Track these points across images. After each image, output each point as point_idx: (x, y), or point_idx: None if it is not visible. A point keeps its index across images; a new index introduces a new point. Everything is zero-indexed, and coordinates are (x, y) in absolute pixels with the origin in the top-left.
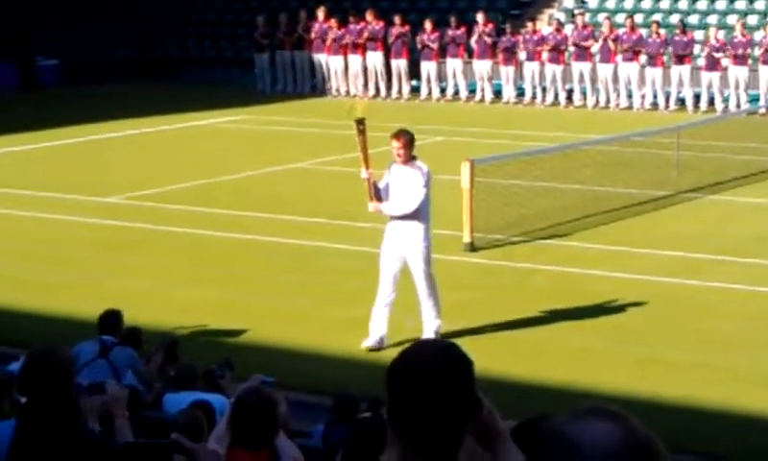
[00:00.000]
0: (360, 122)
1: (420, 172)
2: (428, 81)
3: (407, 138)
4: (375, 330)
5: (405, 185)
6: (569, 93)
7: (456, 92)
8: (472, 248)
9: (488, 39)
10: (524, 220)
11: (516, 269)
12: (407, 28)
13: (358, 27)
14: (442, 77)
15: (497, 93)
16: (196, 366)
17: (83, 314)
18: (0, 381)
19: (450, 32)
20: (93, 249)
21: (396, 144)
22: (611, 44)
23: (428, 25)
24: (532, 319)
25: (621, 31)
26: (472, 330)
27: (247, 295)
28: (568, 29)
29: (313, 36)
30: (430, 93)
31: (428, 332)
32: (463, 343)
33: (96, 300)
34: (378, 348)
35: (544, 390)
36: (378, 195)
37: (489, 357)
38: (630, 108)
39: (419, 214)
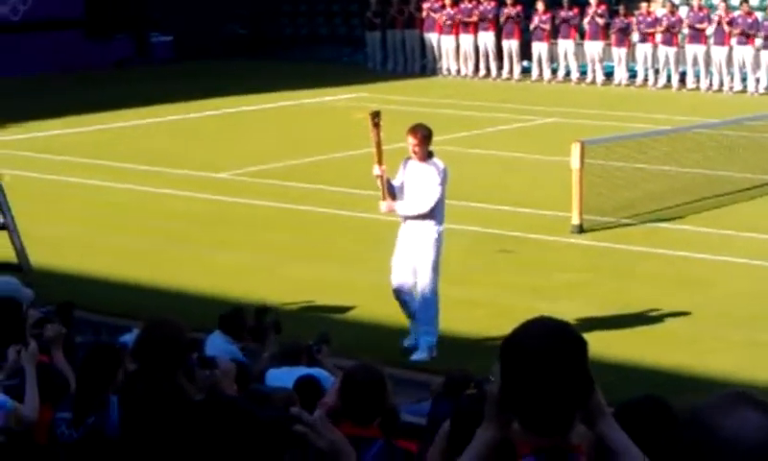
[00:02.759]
0: (375, 115)
1: (435, 169)
2: (539, 62)
3: (423, 134)
4: (420, 342)
5: (420, 183)
6: (682, 76)
7: (567, 74)
8: (581, 230)
9: (600, 21)
10: (634, 203)
11: (625, 252)
12: (519, 8)
13: (470, 6)
14: (553, 58)
15: (609, 75)
16: (300, 342)
17: (193, 288)
18: (113, 352)
19: (563, 13)
20: (205, 224)
21: (412, 141)
22: (725, 27)
23: (540, 6)
24: (640, 302)
25: (736, 13)
26: (580, 312)
27: (353, 272)
28: (683, 11)
29: (424, 14)
30: (541, 74)
31: (422, 351)
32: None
33: (205, 274)
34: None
35: (652, 373)
36: (392, 194)
37: (595, 339)
38: (744, 91)
39: (433, 214)
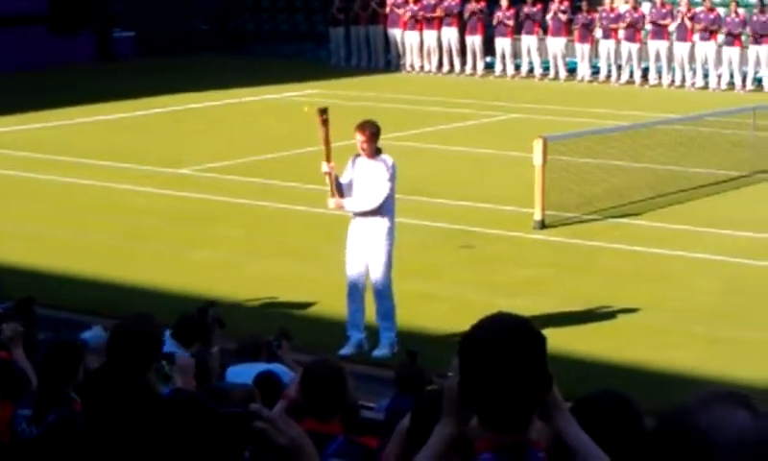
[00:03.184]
0: (323, 112)
1: (384, 165)
2: (503, 57)
3: (372, 131)
4: (353, 338)
5: (369, 180)
6: (645, 72)
7: (530, 69)
8: (543, 225)
9: (563, 16)
10: (596, 198)
11: (587, 247)
12: (483, 4)
13: (433, 2)
14: (516, 54)
15: (572, 71)
16: (260, 337)
17: (156, 284)
18: (74, 349)
19: (526, 8)
20: (167, 220)
21: (360, 137)
22: (687, 23)
23: (504, 1)
24: (601, 297)
25: (699, 9)
26: (540, 308)
27: (315, 268)
28: (645, 7)
29: (387, 10)
30: (504, 70)
31: (383, 346)
32: (532, 321)
33: (169, 271)
34: (357, 354)
35: (613, 368)
36: (340, 191)
37: (556, 335)
38: (706, 87)
39: (383, 210)
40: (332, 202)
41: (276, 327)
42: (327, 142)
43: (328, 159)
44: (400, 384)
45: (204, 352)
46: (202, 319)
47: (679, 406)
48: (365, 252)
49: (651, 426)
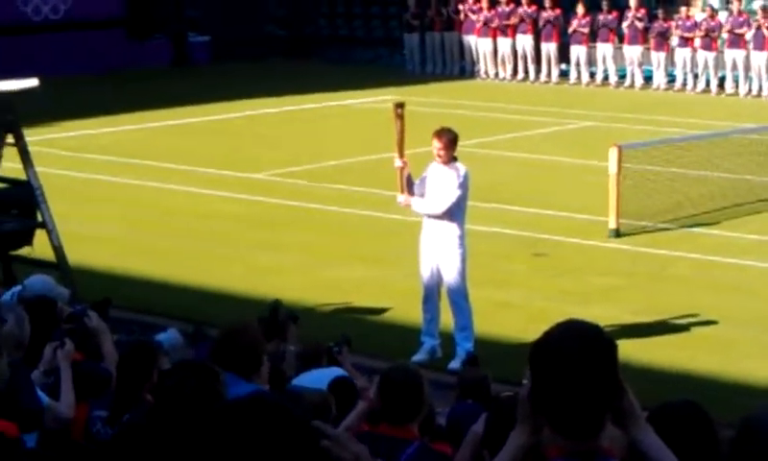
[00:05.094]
0: (399, 106)
1: (456, 173)
2: (578, 65)
3: (449, 138)
4: (426, 344)
5: (440, 185)
6: (721, 81)
7: (606, 77)
8: (618, 234)
9: (639, 25)
10: (672, 207)
11: (662, 256)
12: (558, 11)
13: (507, 9)
14: (591, 61)
15: (647, 79)
16: (321, 343)
17: (229, 288)
18: (150, 350)
19: (602, 16)
20: (240, 224)
21: (437, 144)
22: (765, 32)
23: (580, 9)
24: (675, 307)
25: None
26: (614, 317)
27: (393, 274)
28: (722, 15)
29: (462, 17)
30: (579, 78)
31: (459, 358)
32: (603, 328)
33: (244, 274)
34: (430, 360)
35: (687, 378)
36: (411, 189)
37: (630, 344)
38: None
39: (453, 217)
40: (401, 198)
41: (349, 332)
42: (401, 137)
43: (401, 154)
44: (462, 389)
45: (282, 351)
46: (274, 317)
47: (757, 410)
48: (437, 259)
49: (730, 434)
